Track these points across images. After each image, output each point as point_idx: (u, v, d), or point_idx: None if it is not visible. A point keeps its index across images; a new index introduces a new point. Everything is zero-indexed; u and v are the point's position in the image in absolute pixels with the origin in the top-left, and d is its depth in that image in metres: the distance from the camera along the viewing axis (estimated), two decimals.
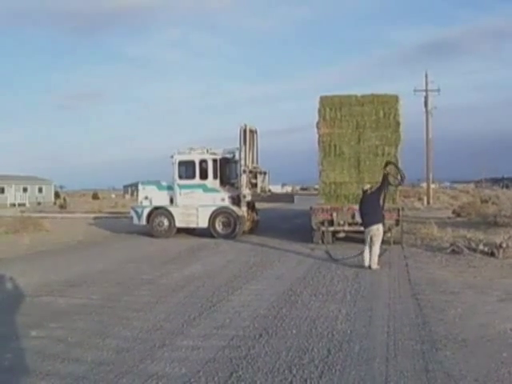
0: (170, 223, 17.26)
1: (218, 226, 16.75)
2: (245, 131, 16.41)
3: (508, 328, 6.09)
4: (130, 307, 7.50)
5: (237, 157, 17.47)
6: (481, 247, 11.93)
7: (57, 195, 62.18)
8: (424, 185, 42.66)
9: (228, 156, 17.79)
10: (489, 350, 5.35)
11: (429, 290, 8.37)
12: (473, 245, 12.21)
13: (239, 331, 6.16)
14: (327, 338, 5.84)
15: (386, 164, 11.98)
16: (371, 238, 10.68)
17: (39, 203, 52.38)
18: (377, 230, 10.72)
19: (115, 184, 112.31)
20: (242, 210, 16.74)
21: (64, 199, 52.95)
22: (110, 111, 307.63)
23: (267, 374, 4.76)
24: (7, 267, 11.26)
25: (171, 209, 17.26)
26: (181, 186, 17.13)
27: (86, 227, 22.19)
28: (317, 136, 15.50)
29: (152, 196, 17.71)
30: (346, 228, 14.35)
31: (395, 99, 15.32)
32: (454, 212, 24.26)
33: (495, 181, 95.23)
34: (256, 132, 17.51)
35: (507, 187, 74.03)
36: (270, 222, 20.77)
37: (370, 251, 10.66)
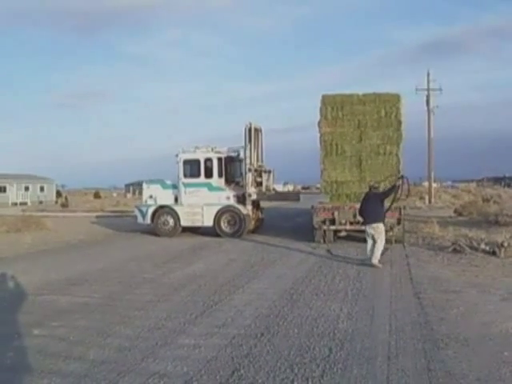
0: (175, 222, 17.22)
1: (224, 225, 16.72)
2: (250, 130, 16.37)
3: (510, 327, 6.08)
4: (132, 306, 7.50)
5: (241, 155, 17.46)
6: (482, 246, 11.91)
7: (58, 194, 62.25)
8: (426, 184, 42.59)
9: (233, 155, 17.75)
10: (491, 349, 5.34)
11: (430, 288, 8.36)
12: (474, 244, 12.19)
13: (241, 330, 6.16)
14: (329, 336, 5.84)
15: (402, 177, 12.32)
16: (373, 236, 10.79)
17: (41, 202, 52.43)
18: (377, 228, 10.80)
19: (117, 183, 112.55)
20: (247, 209, 16.71)
21: (66, 198, 53.08)
22: (111, 110, 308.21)
23: (269, 373, 4.77)
24: (9, 266, 11.28)
25: (176, 208, 17.22)
26: (186, 185, 17.09)
27: (88, 226, 22.21)
28: (318, 135, 15.49)
29: (156, 195, 17.67)
30: (348, 227, 14.35)
31: (397, 98, 15.30)
32: (455, 211, 24.23)
33: (497, 180, 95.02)
34: (261, 130, 17.50)
35: (509, 186, 73.85)
36: (271, 220, 20.75)
37: (373, 247, 10.80)
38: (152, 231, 17.81)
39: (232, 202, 16.82)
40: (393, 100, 15.24)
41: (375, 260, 10.58)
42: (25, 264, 11.81)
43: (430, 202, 36.03)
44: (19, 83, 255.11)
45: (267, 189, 17.39)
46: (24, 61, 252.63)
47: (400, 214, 13.72)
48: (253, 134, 16.51)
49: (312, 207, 14.73)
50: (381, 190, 12.04)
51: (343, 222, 14.20)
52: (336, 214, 14.17)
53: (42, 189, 57.67)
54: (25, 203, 49.64)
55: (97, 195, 69.41)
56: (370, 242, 10.95)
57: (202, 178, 17.00)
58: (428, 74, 37.73)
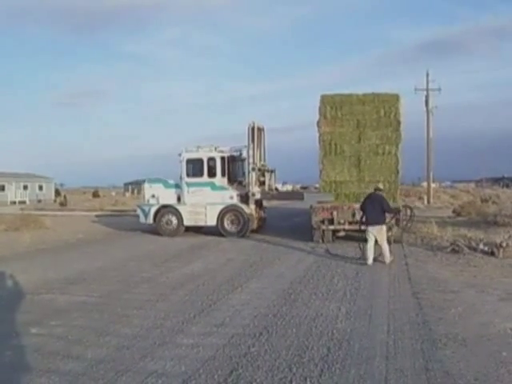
0: (178, 221, 17.15)
1: (227, 224, 16.68)
2: (253, 129, 16.35)
3: (508, 327, 6.09)
4: (130, 305, 7.50)
5: (244, 155, 17.46)
6: (481, 246, 11.93)
7: (57, 193, 62.21)
8: (424, 184, 42.62)
9: (235, 154, 17.70)
10: (489, 350, 5.35)
11: (429, 288, 8.37)
12: (473, 244, 12.21)
13: (239, 329, 6.16)
14: (327, 336, 5.84)
15: (411, 209, 13.30)
16: (375, 237, 11.02)
17: (39, 201, 52.40)
18: (380, 230, 11.08)
19: (116, 182, 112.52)
20: (251, 208, 16.68)
21: (64, 197, 52.97)
22: (110, 109, 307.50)
23: (267, 373, 4.77)
24: (7, 265, 11.27)
25: (179, 207, 17.16)
26: (189, 184, 17.04)
27: (87, 225, 22.20)
28: (317, 135, 15.51)
29: (159, 194, 17.57)
30: (347, 227, 14.35)
31: (396, 98, 15.32)
32: (454, 211, 24.24)
33: (495, 180, 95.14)
34: (263, 130, 17.47)
35: (507, 186, 73.96)
36: (270, 220, 20.73)
37: (371, 249, 10.98)
38: (152, 230, 17.79)
39: (235, 201, 16.77)
40: (392, 100, 15.26)
41: (387, 260, 11.01)
42: (23, 263, 11.80)
43: (428, 202, 36.05)
44: (19, 82, 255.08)
45: (270, 188, 17.39)
46: (24, 60, 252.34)
47: (399, 214, 13.71)
48: (256, 133, 16.48)
49: (311, 207, 14.74)
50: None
51: (342, 221, 14.21)
52: (335, 213, 14.18)
53: (40, 187, 57.64)
54: (23, 202, 49.63)
55: (96, 194, 69.29)
56: (370, 242, 11.03)
57: (205, 178, 16.96)
58: (427, 74, 37.74)
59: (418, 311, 6.93)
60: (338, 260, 11.60)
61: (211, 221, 16.78)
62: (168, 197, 17.47)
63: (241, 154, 17.77)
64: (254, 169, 16.45)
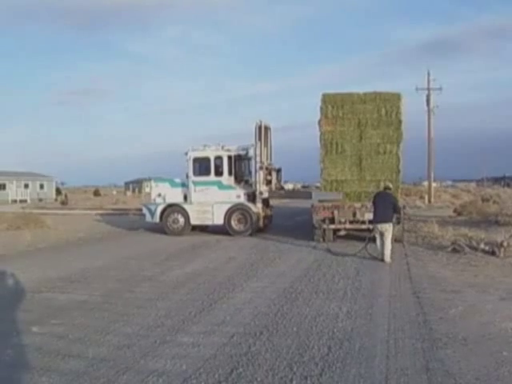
0: (184, 220, 17.10)
1: (234, 223, 16.64)
2: (260, 128, 16.30)
3: (509, 327, 6.08)
4: (131, 304, 7.51)
5: (250, 153, 17.45)
6: (482, 246, 11.91)
7: (58, 192, 62.24)
8: (425, 183, 42.60)
9: (241, 153, 17.65)
10: (489, 349, 5.34)
11: (429, 288, 8.36)
12: (474, 243, 12.19)
13: (240, 328, 6.16)
14: (328, 335, 5.84)
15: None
16: (382, 234, 11.25)
17: (40, 200, 52.44)
18: (389, 227, 11.31)
19: (116, 181, 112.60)
20: (258, 207, 16.65)
21: (65, 196, 53.03)
22: (111, 108, 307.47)
23: (268, 372, 4.77)
24: (8, 263, 11.28)
25: (186, 206, 17.10)
26: (195, 183, 16.99)
27: (88, 224, 22.21)
28: (318, 133, 15.49)
29: (165, 193, 17.51)
30: (347, 226, 14.34)
31: (397, 97, 15.30)
32: (455, 211, 24.24)
33: (496, 179, 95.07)
34: (270, 129, 17.43)
35: (508, 186, 73.84)
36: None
37: (383, 245, 11.24)
38: (154, 229, 17.78)
39: (242, 200, 16.74)
40: (393, 99, 15.24)
41: (387, 259, 11.11)
42: (24, 261, 11.81)
43: (429, 201, 36.05)
44: (19, 81, 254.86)
45: (276, 187, 17.36)
46: (24, 58, 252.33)
47: (400, 213, 13.71)
48: (263, 132, 16.44)
49: (312, 206, 14.74)
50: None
51: (343, 220, 14.20)
52: (335, 212, 14.17)
53: (41, 186, 57.69)
54: (24, 201, 49.66)
55: (96, 193, 69.41)
56: (379, 238, 11.38)
57: (212, 176, 16.92)
58: (428, 74, 37.76)
59: (418, 311, 6.92)
60: (338, 259, 11.60)
61: (218, 220, 16.73)
62: (174, 195, 17.41)
63: (247, 153, 17.73)
64: (261, 168, 16.37)
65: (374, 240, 11.80)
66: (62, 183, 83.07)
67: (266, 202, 17.37)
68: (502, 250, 11.39)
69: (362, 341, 5.62)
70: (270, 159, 17.53)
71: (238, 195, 16.82)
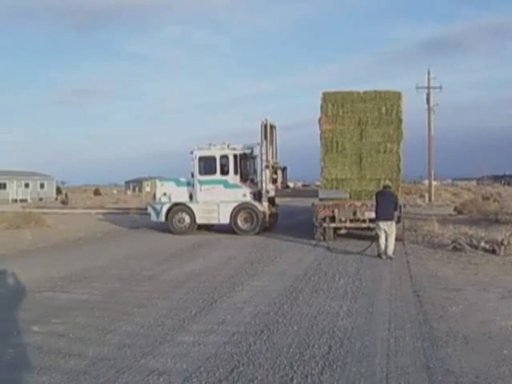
0: (190, 219, 17.05)
1: (240, 222, 16.60)
2: (265, 126, 16.25)
3: (509, 325, 6.08)
4: (132, 303, 7.51)
5: (255, 152, 17.42)
6: (482, 244, 11.90)
7: (58, 191, 62.29)
8: (426, 182, 42.61)
9: (247, 152, 17.59)
10: (490, 347, 5.34)
11: (430, 286, 8.36)
12: (474, 242, 12.18)
13: (240, 327, 6.17)
14: (328, 334, 5.84)
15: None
16: (385, 231, 11.48)
17: (41, 199, 52.47)
18: (391, 225, 11.57)
19: (117, 180, 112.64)
20: (264, 206, 16.60)
21: (66, 195, 53.06)
22: (111, 107, 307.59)
23: (268, 370, 4.77)
24: (9, 263, 11.28)
25: (191, 205, 17.04)
26: (201, 182, 16.93)
27: (88, 223, 22.21)
28: (319, 132, 15.47)
29: (171, 192, 17.45)
30: (348, 224, 14.34)
31: (398, 96, 15.27)
32: (455, 209, 24.23)
33: (497, 178, 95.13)
34: (275, 127, 17.38)
35: (509, 184, 73.94)
36: None
37: (386, 241, 11.48)
38: (155, 228, 17.77)
39: (248, 199, 16.70)
40: (393, 98, 15.21)
41: (391, 253, 11.45)
42: (24, 261, 11.82)
43: (430, 200, 36.03)
44: (19, 80, 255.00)
45: (282, 185, 17.32)
46: (25, 58, 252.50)
47: (400, 211, 13.71)
48: (268, 131, 16.39)
49: (312, 205, 14.73)
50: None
51: (343, 219, 14.20)
52: (336, 211, 14.16)
53: (42, 186, 57.71)
54: (25, 200, 49.68)
55: (97, 192, 69.44)
56: (382, 237, 11.54)
57: (218, 175, 16.87)
58: (428, 72, 37.68)
59: (419, 309, 6.92)
60: (339, 258, 11.60)
61: (224, 219, 16.68)
62: (180, 195, 17.34)
63: (252, 152, 17.68)
64: (267, 166, 16.31)
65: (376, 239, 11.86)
66: (63, 182, 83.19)
67: (271, 201, 17.31)
68: (503, 248, 11.39)
69: (363, 339, 5.62)
70: (276, 158, 17.46)
71: (243, 194, 16.77)
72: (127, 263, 11.30)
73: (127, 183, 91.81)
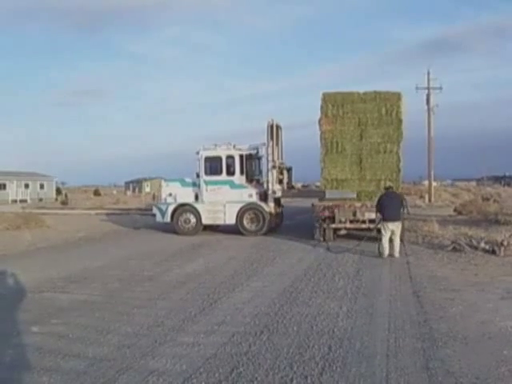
0: (196, 220, 16.99)
1: (246, 223, 16.57)
2: (271, 126, 16.22)
3: (509, 326, 6.08)
4: (132, 303, 7.51)
5: (260, 153, 17.41)
6: (482, 245, 11.90)
7: (58, 191, 62.26)
8: (425, 182, 42.60)
9: (252, 152, 17.54)
10: (490, 348, 5.35)
11: (430, 287, 8.37)
12: (474, 242, 12.18)
13: (240, 328, 6.17)
14: (328, 334, 5.84)
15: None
16: (392, 232, 11.62)
17: (41, 199, 52.45)
18: (399, 225, 11.79)
19: (116, 180, 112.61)
20: (270, 206, 16.57)
21: (65, 195, 53.05)
22: (111, 108, 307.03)
23: (268, 371, 4.77)
24: (9, 263, 11.28)
25: (197, 205, 16.99)
26: (207, 182, 16.88)
27: (88, 223, 22.19)
28: (319, 133, 15.49)
29: (176, 193, 17.39)
30: (348, 225, 14.34)
31: (397, 96, 15.29)
32: (455, 210, 24.23)
33: (496, 179, 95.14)
34: (281, 128, 17.33)
35: (509, 185, 73.95)
36: None
37: (391, 242, 11.64)
38: (156, 228, 17.75)
39: (255, 199, 16.67)
40: (393, 98, 15.23)
41: (397, 254, 11.62)
42: (24, 261, 11.82)
43: (429, 200, 36.04)
44: (19, 81, 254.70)
45: (287, 186, 17.31)
46: (24, 58, 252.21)
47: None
48: (274, 131, 16.37)
49: (312, 205, 14.74)
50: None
51: (343, 220, 14.20)
52: (336, 212, 14.17)
53: (41, 186, 57.67)
54: (24, 200, 49.64)
55: (97, 193, 69.42)
56: (386, 237, 11.69)
57: (224, 176, 16.83)
58: (428, 73, 37.73)
59: (418, 310, 6.92)
60: (339, 258, 11.60)
61: (230, 219, 16.64)
62: (185, 195, 17.28)
63: (257, 152, 17.64)
64: (274, 167, 16.26)
65: (376, 239, 12.01)
66: (62, 183, 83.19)
67: (277, 202, 17.25)
68: (503, 248, 11.39)
69: (363, 340, 5.62)
70: (282, 158, 17.40)
71: (249, 194, 16.74)
72: (127, 264, 11.31)
73: (127, 184, 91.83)
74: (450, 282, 8.73)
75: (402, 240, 13.50)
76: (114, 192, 76.85)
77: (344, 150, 15.30)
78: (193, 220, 17.03)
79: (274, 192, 16.41)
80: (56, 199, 53.90)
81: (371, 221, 13.72)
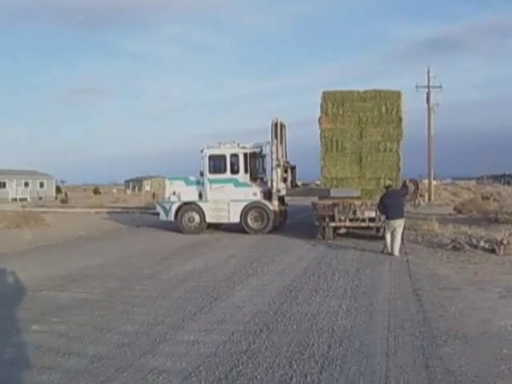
0: (200, 218, 16.96)
1: (251, 221, 16.55)
2: (276, 125, 16.20)
3: (508, 324, 6.08)
4: (131, 302, 7.51)
5: (264, 151, 17.39)
6: (482, 244, 11.90)
7: (58, 190, 62.32)
8: (425, 181, 42.54)
9: (256, 150, 17.53)
10: (489, 347, 5.35)
11: (429, 286, 8.37)
12: (474, 241, 12.19)
13: (240, 326, 6.17)
14: (328, 333, 5.84)
15: (417, 183, 13.25)
16: (394, 229, 11.70)
17: (40, 198, 52.46)
18: (402, 223, 11.90)
19: (116, 179, 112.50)
20: (274, 205, 16.55)
21: (65, 194, 53.06)
22: (111, 107, 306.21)
23: (267, 369, 4.77)
24: (8, 261, 11.29)
25: (201, 204, 16.95)
26: (211, 181, 16.84)
27: (88, 222, 22.21)
28: (319, 131, 15.48)
29: (180, 191, 17.35)
30: (347, 224, 14.35)
31: (397, 95, 15.28)
32: (455, 209, 24.22)
33: (496, 177, 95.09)
34: (285, 126, 17.30)
35: (508, 184, 73.96)
36: None
37: (393, 240, 11.71)
38: (156, 226, 17.74)
39: (259, 198, 16.65)
40: (393, 97, 15.22)
41: (396, 252, 11.66)
42: (24, 260, 11.82)
43: (429, 199, 35.99)
44: (19, 80, 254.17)
45: (292, 185, 17.31)
46: (24, 57, 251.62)
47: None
48: (278, 129, 16.34)
49: (312, 204, 14.74)
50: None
51: (343, 218, 14.21)
52: (336, 210, 14.17)
53: (41, 184, 57.74)
54: (24, 199, 49.66)
55: (96, 191, 69.48)
56: (389, 234, 11.88)
57: (228, 174, 16.79)
58: (428, 72, 37.60)
59: (418, 308, 6.93)
60: (338, 257, 11.60)
61: (234, 218, 16.62)
62: (189, 193, 17.24)
63: (261, 151, 17.62)
64: (278, 165, 16.23)
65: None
66: (62, 181, 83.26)
67: (281, 200, 17.22)
68: (502, 247, 11.38)
69: (362, 338, 5.62)
70: (286, 157, 17.37)
71: (254, 193, 16.71)
72: (127, 262, 11.31)
73: (127, 182, 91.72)
74: (449, 281, 8.74)
75: (401, 238, 13.55)
76: (114, 190, 76.90)
77: (344, 149, 15.30)
78: (197, 218, 16.99)
79: (278, 190, 16.38)
80: (56, 198, 53.94)
81: (371, 219, 13.74)
